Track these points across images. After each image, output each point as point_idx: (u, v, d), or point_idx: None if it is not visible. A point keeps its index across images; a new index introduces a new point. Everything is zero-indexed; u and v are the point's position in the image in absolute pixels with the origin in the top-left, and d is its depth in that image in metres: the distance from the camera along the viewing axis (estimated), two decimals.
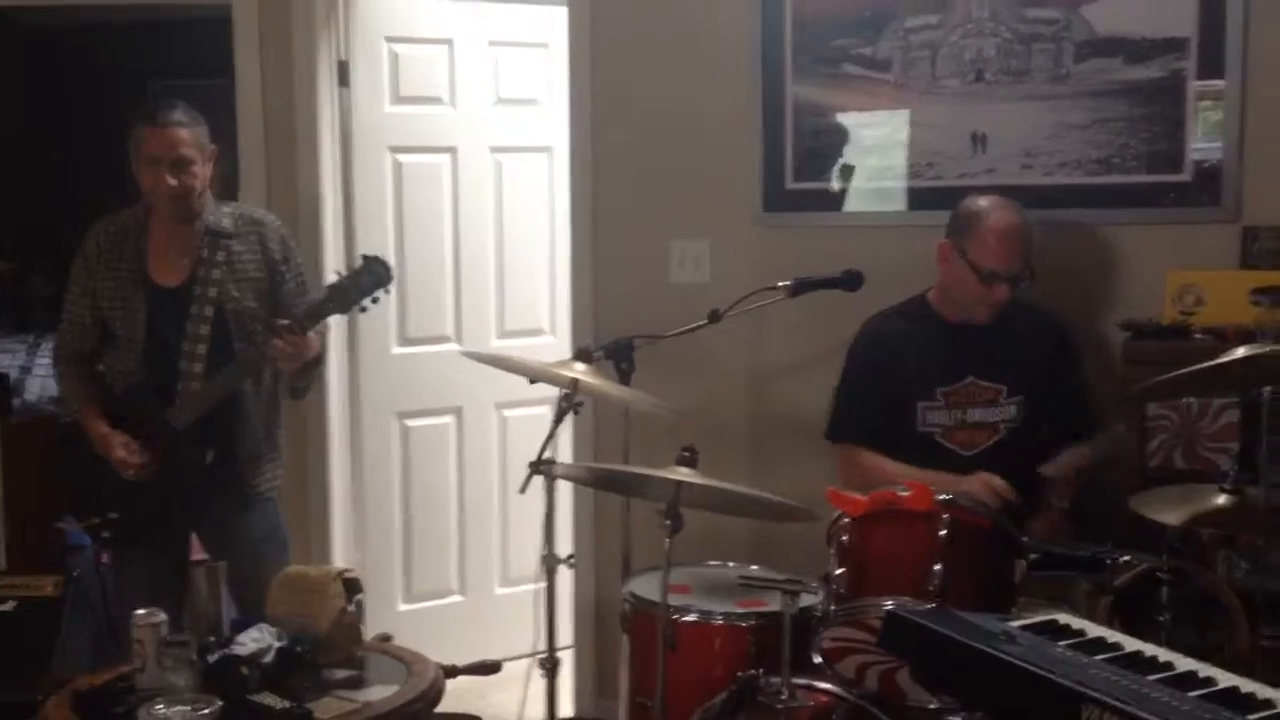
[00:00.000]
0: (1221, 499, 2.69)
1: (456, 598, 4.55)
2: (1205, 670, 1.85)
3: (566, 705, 4.02)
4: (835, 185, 3.71)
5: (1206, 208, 3.32)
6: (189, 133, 3.25)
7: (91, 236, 3.37)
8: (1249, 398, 2.86)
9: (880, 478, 3.03)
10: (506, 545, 4.58)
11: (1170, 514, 2.73)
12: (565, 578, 3.63)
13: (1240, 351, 2.65)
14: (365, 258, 3.20)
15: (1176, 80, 3.30)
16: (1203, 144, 3.32)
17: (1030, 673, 1.78)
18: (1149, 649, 1.94)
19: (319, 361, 3.43)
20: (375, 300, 3.18)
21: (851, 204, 3.70)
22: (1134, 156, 3.37)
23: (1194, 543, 3.13)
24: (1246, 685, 1.80)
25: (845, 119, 3.68)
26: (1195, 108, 3.30)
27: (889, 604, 2.27)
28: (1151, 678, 1.82)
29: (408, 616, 4.33)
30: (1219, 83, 3.27)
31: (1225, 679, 1.82)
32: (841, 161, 3.71)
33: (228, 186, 3.80)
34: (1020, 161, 3.47)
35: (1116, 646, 1.96)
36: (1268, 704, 1.74)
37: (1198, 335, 3.16)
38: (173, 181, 3.22)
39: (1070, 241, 3.44)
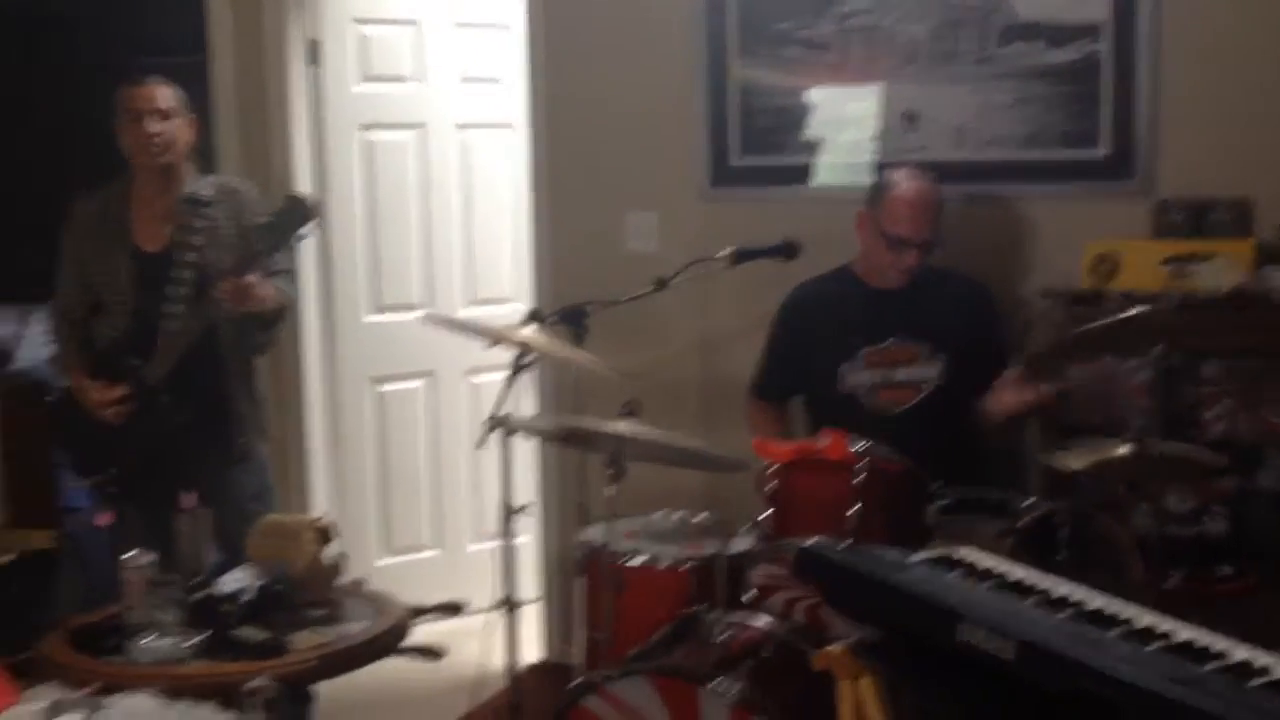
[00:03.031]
0: (1124, 449, 2.92)
1: (431, 552, 4.75)
2: (1078, 594, 2.02)
3: (534, 652, 4.21)
4: (803, 160, 3.84)
5: (1122, 181, 3.51)
6: (169, 89, 3.42)
7: (78, 207, 3.52)
8: (1156, 358, 3.05)
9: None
10: (479, 504, 4.74)
11: (1076, 462, 2.97)
12: (530, 531, 3.80)
13: (1131, 311, 2.87)
14: (288, 196, 3.32)
15: (1092, 62, 3.47)
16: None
17: (914, 594, 2.01)
18: (1031, 576, 2.12)
19: (279, 316, 3.54)
20: (305, 235, 3.26)
21: (813, 178, 3.83)
22: (1055, 134, 3.55)
23: (1107, 491, 3.37)
24: (1113, 605, 2.00)
25: (787, 99, 3.83)
26: (1110, 88, 3.48)
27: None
28: (1028, 601, 2.04)
29: (385, 570, 4.50)
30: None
31: (1095, 600, 1.99)
32: (806, 137, 3.84)
33: (203, 163, 3.97)
34: (951, 139, 3.65)
35: (1002, 575, 2.15)
36: (1128, 621, 1.95)
37: (1112, 301, 3.31)
38: (156, 129, 3.37)
39: (998, 214, 3.62)
